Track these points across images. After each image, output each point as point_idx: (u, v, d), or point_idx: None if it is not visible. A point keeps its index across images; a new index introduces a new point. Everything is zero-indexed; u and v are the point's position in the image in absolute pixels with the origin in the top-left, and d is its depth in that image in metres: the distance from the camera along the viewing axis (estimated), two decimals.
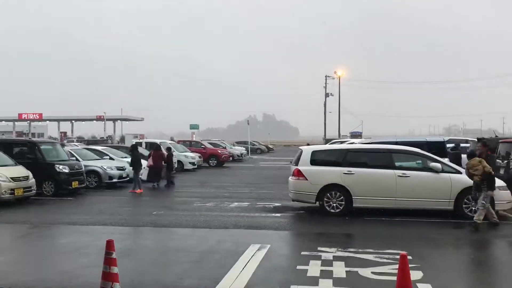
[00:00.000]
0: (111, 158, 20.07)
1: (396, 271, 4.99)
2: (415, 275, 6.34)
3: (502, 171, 13.99)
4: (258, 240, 8.75)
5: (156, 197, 16.55)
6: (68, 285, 6.25)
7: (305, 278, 6.45)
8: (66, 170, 15.76)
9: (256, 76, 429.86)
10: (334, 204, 11.58)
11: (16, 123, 72.22)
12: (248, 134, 50.62)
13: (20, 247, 8.96)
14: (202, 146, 34.39)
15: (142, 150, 24.75)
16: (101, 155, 20.28)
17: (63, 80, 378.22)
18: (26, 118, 69.36)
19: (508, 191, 11.16)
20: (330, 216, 11.41)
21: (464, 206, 11.01)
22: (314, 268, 6.86)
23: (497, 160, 14.64)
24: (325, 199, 11.65)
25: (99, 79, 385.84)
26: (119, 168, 18.77)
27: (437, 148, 15.22)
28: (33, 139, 20.47)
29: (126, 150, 22.04)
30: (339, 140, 38.44)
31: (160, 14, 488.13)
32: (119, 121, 75.28)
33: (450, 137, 20.01)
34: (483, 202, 9.84)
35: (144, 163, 19.38)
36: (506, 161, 14.02)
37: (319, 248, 8.03)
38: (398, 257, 4.90)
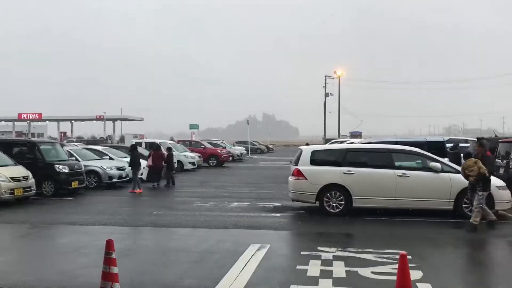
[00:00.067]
0: (110, 158, 20.08)
1: (396, 271, 4.99)
2: (415, 274, 6.34)
3: (501, 171, 14.00)
4: (258, 240, 8.75)
5: (156, 197, 16.55)
6: (68, 285, 6.24)
7: (305, 278, 6.45)
8: (66, 170, 15.76)
9: (256, 76, 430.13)
10: (334, 204, 11.58)
11: (15, 123, 72.22)
12: (248, 134, 50.63)
13: (20, 247, 8.95)
14: (202, 146, 34.39)
15: (142, 150, 24.77)
16: (100, 155, 20.29)
17: (62, 80, 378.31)
18: (25, 118, 69.37)
19: (508, 190, 11.16)
20: (330, 216, 11.40)
21: (464, 205, 11.01)
22: (314, 268, 6.86)
23: (497, 160, 14.65)
24: (325, 199, 11.64)
25: (99, 79, 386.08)
26: (118, 168, 18.76)
27: (437, 148, 15.24)
28: (33, 139, 20.47)
29: (125, 150, 22.05)
30: (339, 140, 38.43)
31: (160, 14, 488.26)
32: (118, 121, 75.26)
33: (450, 137, 20.01)
34: (479, 203, 9.82)
35: (143, 163, 19.39)
36: (505, 160, 14.03)
37: (319, 248, 8.03)
38: (398, 256, 4.90)
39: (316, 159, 12.17)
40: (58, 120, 72.07)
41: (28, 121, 72.79)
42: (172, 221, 11.08)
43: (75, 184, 15.93)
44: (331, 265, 6.99)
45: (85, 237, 9.44)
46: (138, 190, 16.78)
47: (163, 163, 19.36)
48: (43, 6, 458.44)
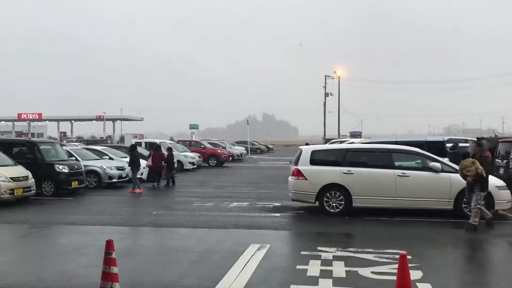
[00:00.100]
0: (110, 158, 20.07)
1: (396, 271, 4.99)
2: (415, 274, 6.34)
3: (501, 171, 14.00)
4: (258, 240, 8.75)
5: (155, 197, 16.55)
6: (67, 285, 6.24)
7: (305, 277, 6.45)
8: (66, 170, 15.76)
9: (256, 76, 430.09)
10: (334, 204, 11.58)
11: (15, 123, 72.22)
12: (248, 134, 50.63)
13: (19, 247, 8.95)
14: (202, 146, 34.38)
15: (142, 150, 24.77)
16: (100, 155, 20.29)
17: (62, 80, 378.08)
18: (25, 118, 69.36)
19: (508, 190, 11.15)
20: (329, 216, 11.40)
21: (463, 205, 11.00)
22: (313, 268, 6.86)
23: (497, 160, 14.65)
24: (324, 199, 11.64)
25: (99, 79, 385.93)
26: (118, 168, 18.76)
27: (437, 147, 15.23)
28: (33, 139, 20.47)
29: (125, 150, 22.05)
30: (339, 140, 38.44)
31: (160, 14, 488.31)
32: (118, 121, 75.25)
33: (450, 137, 20.01)
34: (476, 203, 9.81)
35: (143, 163, 19.40)
36: (505, 160, 14.03)
37: (319, 248, 8.03)
38: (397, 256, 4.90)
39: (316, 159, 12.17)
40: (58, 120, 72.07)
41: (28, 121, 72.78)
42: (172, 221, 11.08)
43: (75, 184, 15.93)
44: (331, 265, 6.99)
45: (85, 237, 9.44)
46: (137, 190, 16.78)
47: (163, 163, 19.37)
48: (43, 6, 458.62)
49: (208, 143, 37.39)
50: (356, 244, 8.71)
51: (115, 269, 5.02)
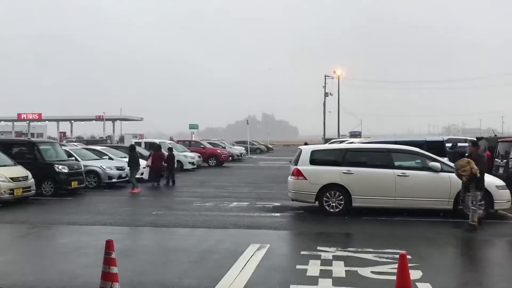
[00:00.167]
0: (110, 158, 20.06)
1: (395, 271, 4.99)
2: (415, 274, 6.35)
3: (501, 170, 14.00)
4: (258, 240, 8.75)
5: (155, 197, 16.55)
6: (67, 285, 6.24)
7: (305, 277, 6.45)
8: (66, 170, 15.76)
9: (256, 76, 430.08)
10: (334, 204, 11.59)
11: (15, 123, 72.21)
12: (248, 134, 50.65)
13: (19, 247, 8.95)
14: (202, 146, 34.37)
15: (142, 150, 24.78)
16: (100, 155, 20.28)
17: (62, 80, 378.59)
18: (25, 118, 69.40)
19: (508, 190, 11.15)
20: (329, 216, 11.41)
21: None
22: (313, 268, 6.86)
23: (496, 160, 14.66)
24: (324, 198, 11.65)
25: (99, 80, 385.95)
26: (118, 168, 18.75)
27: (437, 147, 15.24)
28: (32, 139, 20.46)
29: (125, 150, 22.03)
30: (339, 139, 38.44)
31: (160, 15, 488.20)
32: (118, 121, 75.30)
33: (450, 137, 20.02)
34: (473, 204, 9.81)
35: (143, 163, 19.42)
36: (505, 160, 14.03)
37: (318, 248, 8.03)
38: (397, 256, 4.90)
39: (316, 159, 12.17)
40: (57, 120, 72.10)
41: (27, 121, 72.79)
42: (171, 221, 11.08)
43: (74, 184, 15.93)
44: (331, 265, 7.00)
45: (85, 237, 9.44)
46: (135, 190, 16.75)
47: (163, 164, 19.38)
48: (42, 6, 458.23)
49: (208, 143, 37.38)
50: (356, 244, 8.71)
51: (115, 269, 5.02)
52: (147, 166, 19.18)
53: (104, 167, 18.38)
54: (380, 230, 10.19)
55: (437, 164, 11.38)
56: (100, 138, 67.19)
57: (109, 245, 5.08)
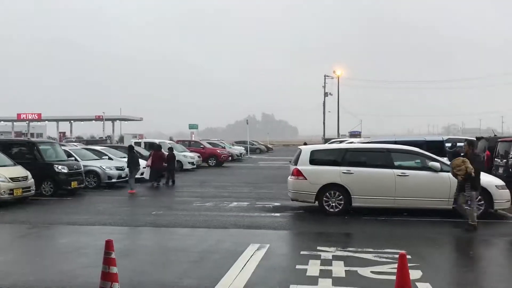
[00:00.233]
0: (110, 158, 20.06)
1: (395, 271, 4.99)
2: (414, 274, 6.35)
3: (501, 170, 14.00)
4: (258, 240, 8.75)
5: (155, 197, 16.55)
6: (67, 285, 6.24)
7: (305, 277, 6.45)
8: (65, 170, 15.75)
9: (256, 76, 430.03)
10: (333, 204, 11.59)
11: (15, 123, 72.19)
12: (247, 134, 50.65)
13: (19, 247, 8.95)
14: (201, 146, 34.36)
15: (141, 150, 24.78)
16: (100, 155, 20.28)
17: (62, 81, 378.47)
18: (25, 118, 69.40)
19: (507, 190, 11.15)
20: (329, 216, 11.41)
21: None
22: (313, 268, 6.86)
23: (496, 159, 14.66)
24: (324, 198, 11.65)
25: (98, 80, 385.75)
26: (118, 168, 18.75)
27: (436, 147, 15.25)
28: (32, 139, 20.46)
29: (125, 150, 22.02)
30: (338, 139, 38.44)
31: (160, 15, 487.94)
32: (118, 121, 75.27)
33: (449, 137, 19.99)
34: (469, 204, 9.82)
35: (143, 163, 19.43)
36: (504, 160, 14.03)
37: (318, 248, 8.03)
38: (397, 256, 4.90)
39: (316, 158, 12.17)
40: (57, 120, 72.10)
41: (27, 121, 72.77)
42: (171, 221, 11.08)
43: (74, 184, 15.92)
44: (331, 265, 7.00)
45: (84, 237, 9.44)
46: (131, 191, 16.70)
47: (163, 164, 19.38)
48: (42, 7, 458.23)
49: (208, 143, 37.37)
50: (356, 243, 8.71)
51: (114, 269, 5.02)
52: (147, 166, 19.18)
53: (104, 167, 18.38)
54: (380, 230, 10.19)
55: (437, 164, 11.38)
56: (99, 138, 67.16)
57: (108, 245, 5.08)
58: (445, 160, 12.72)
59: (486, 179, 11.33)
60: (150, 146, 27.25)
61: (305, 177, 11.85)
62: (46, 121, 77.77)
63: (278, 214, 11.95)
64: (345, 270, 6.72)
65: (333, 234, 9.65)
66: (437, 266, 7.10)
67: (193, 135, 54.67)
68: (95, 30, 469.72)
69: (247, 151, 47.97)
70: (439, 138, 17.84)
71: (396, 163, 11.62)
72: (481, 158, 11.51)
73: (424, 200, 11.29)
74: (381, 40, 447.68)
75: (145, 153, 23.72)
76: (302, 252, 7.84)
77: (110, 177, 18.31)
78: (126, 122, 78.88)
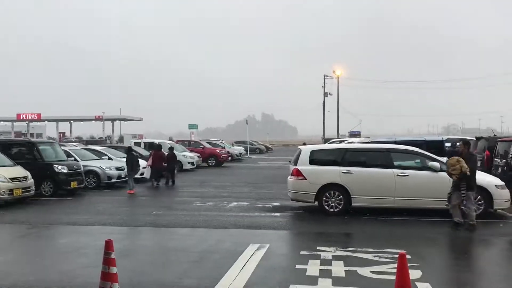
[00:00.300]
0: (109, 158, 20.06)
1: (395, 270, 4.99)
2: (414, 274, 6.35)
3: (500, 170, 13.99)
4: (257, 240, 8.75)
5: (155, 197, 16.55)
6: (67, 285, 6.24)
7: (304, 277, 6.45)
8: (65, 170, 15.75)
9: (256, 76, 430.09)
10: (333, 204, 11.59)
11: (14, 123, 72.16)
12: (247, 134, 50.65)
13: (19, 247, 8.95)
14: (201, 146, 34.35)
15: (141, 150, 24.79)
16: (99, 155, 20.28)
17: (62, 82, 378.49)
18: (24, 118, 69.36)
19: (507, 190, 11.16)
20: (329, 216, 11.41)
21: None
22: (313, 268, 6.86)
23: (495, 159, 14.66)
24: (324, 198, 11.65)
25: (98, 80, 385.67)
26: (117, 168, 18.75)
27: (436, 147, 15.24)
28: (32, 139, 20.45)
29: (124, 150, 22.05)
30: (338, 139, 38.45)
31: (160, 15, 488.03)
32: (117, 121, 75.25)
33: (449, 136, 20.00)
34: (465, 204, 9.81)
35: (143, 163, 19.43)
36: (504, 160, 14.04)
37: (318, 248, 8.03)
38: (397, 256, 4.91)
39: (315, 158, 12.17)
40: (57, 120, 72.08)
41: (27, 122, 72.74)
42: (171, 221, 11.08)
43: (74, 184, 15.92)
44: (331, 265, 7.00)
45: (84, 237, 9.44)
46: (130, 191, 16.69)
47: (163, 164, 19.38)
48: (42, 7, 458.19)
49: (207, 143, 37.37)
50: (356, 243, 8.72)
51: (114, 269, 5.02)
52: (147, 166, 19.18)
53: (104, 167, 18.38)
54: (379, 230, 10.19)
55: (437, 164, 11.39)
56: (99, 138, 67.12)
57: (108, 245, 5.08)
58: (444, 160, 12.71)
59: (486, 179, 11.34)
60: (150, 146, 27.27)
61: (304, 177, 11.85)
62: (46, 121, 77.74)
63: (278, 214, 11.96)
64: (345, 270, 6.72)
65: (333, 234, 9.65)
66: (437, 266, 7.11)
67: (192, 135, 54.68)
68: (95, 30, 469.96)
69: (246, 151, 47.97)
70: (439, 138, 17.86)
71: (396, 163, 11.62)
72: (476, 157, 11.49)
73: (424, 200, 11.29)
74: (381, 40, 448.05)
75: (145, 153, 23.72)
76: (302, 252, 7.84)
77: (109, 177, 18.31)
78: (126, 122, 78.86)
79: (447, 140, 17.84)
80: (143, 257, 7.87)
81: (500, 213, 11.62)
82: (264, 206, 13.24)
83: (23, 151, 16.39)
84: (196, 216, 11.71)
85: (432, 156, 11.76)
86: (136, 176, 18.18)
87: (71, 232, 9.99)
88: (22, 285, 6.20)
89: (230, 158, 36.61)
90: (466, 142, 10.39)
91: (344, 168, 11.68)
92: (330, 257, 7.41)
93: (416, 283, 6.05)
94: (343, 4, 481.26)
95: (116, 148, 24.37)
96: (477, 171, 10.42)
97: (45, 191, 15.48)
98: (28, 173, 14.19)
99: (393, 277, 5.07)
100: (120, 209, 13.17)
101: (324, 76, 66.90)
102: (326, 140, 48.73)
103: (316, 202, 11.82)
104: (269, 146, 67.68)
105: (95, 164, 18.45)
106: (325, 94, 66.54)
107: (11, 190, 13.37)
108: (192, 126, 56.96)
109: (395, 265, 5.03)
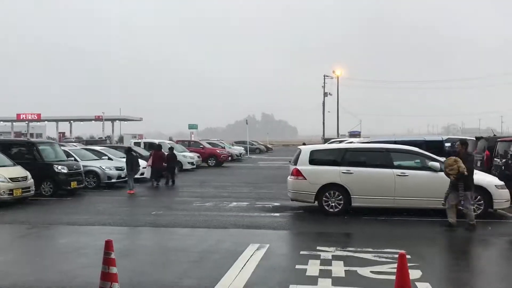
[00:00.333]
0: (109, 158, 20.06)
1: (395, 270, 4.99)
2: (414, 274, 6.35)
3: (499, 170, 13.99)
4: (257, 240, 8.75)
5: (155, 197, 16.55)
6: (67, 285, 6.24)
7: (304, 277, 6.45)
8: (65, 171, 15.75)
9: (256, 76, 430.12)
10: (333, 204, 11.59)
11: (14, 123, 72.16)
12: (247, 134, 50.65)
13: (19, 247, 8.95)
14: (201, 146, 34.35)
15: (141, 150, 24.79)
16: (99, 155, 20.28)
17: (62, 82, 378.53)
18: (24, 118, 69.36)
19: (507, 190, 11.16)
20: (329, 216, 11.41)
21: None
22: (313, 268, 6.87)
23: (495, 159, 14.67)
24: (324, 198, 11.65)
25: (98, 80, 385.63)
26: (117, 168, 18.74)
27: (436, 147, 15.23)
28: (32, 139, 20.45)
29: (124, 150, 22.05)
30: (338, 139, 38.44)
31: (160, 15, 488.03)
32: (117, 121, 75.26)
33: (449, 136, 20.00)
34: (463, 204, 9.81)
35: (143, 163, 19.43)
36: (504, 160, 14.04)
37: (318, 248, 8.03)
38: (397, 256, 4.91)
39: (315, 158, 12.17)
40: (57, 120, 72.07)
41: (26, 122, 72.73)
42: (171, 221, 11.08)
43: (74, 184, 15.92)
44: (330, 265, 7.00)
45: (84, 237, 9.44)
46: (130, 191, 16.69)
47: (163, 164, 19.38)
48: (42, 8, 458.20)
49: (207, 143, 37.37)
50: (355, 243, 8.72)
51: (114, 269, 5.02)
52: (147, 166, 19.18)
53: (104, 167, 18.38)
54: (379, 230, 10.19)
55: (437, 164, 11.38)
56: (99, 138, 67.12)
57: (108, 245, 5.08)
58: (444, 160, 12.72)
59: (486, 179, 11.35)
60: (150, 146, 27.26)
61: (304, 177, 11.85)
62: (46, 121, 77.75)
63: (277, 214, 11.96)
64: (345, 270, 6.73)
65: (333, 234, 9.65)
66: (436, 266, 7.11)
67: (192, 135, 54.69)
68: (95, 30, 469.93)
69: (246, 151, 47.97)
70: (439, 138, 17.84)
71: (395, 163, 11.62)
72: (474, 157, 11.48)
73: (423, 200, 11.29)
74: (381, 40, 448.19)
75: (145, 153, 23.72)
76: (301, 252, 7.84)
77: (109, 177, 18.31)
78: (125, 122, 78.87)
79: (447, 140, 17.83)
80: (143, 257, 7.88)
81: (500, 213, 11.62)
82: (264, 206, 13.24)
83: (23, 151, 16.39)
84: (196, 216, 11.71)
85: (432, 156, 11.76)
86: (136, 176, 18.18)
87: (71, 232, 9.99)
88: (22, 285, 6.20)
89: (230, 158, 36.61)
90: (463, 142, 10.40)
91: (344, 168, 11.68)
92: (330, 257, 7.41)
93: (416, 283, 6.05)
94: (343, 4, 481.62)
95: (116, 148, 24.36)
96: (477, 171, 10.43)
97: (45, 191, 15.48)
98: (28, 173, 14.19)
99: (393, 277, 5.07)
100: (120, 209, 13.17)
101: (324, 76, 66.90)
102: (326, 140, 48.71)
103: (316, 202, 11.82)
104: (269, 146, 67.68)
105: (95, 164, 18.45)
106: (325, 94, 66.51)
107: (11, 190, 13.37)
108: (192, 126, 56.97)
109: (395, 265, 5.04)
